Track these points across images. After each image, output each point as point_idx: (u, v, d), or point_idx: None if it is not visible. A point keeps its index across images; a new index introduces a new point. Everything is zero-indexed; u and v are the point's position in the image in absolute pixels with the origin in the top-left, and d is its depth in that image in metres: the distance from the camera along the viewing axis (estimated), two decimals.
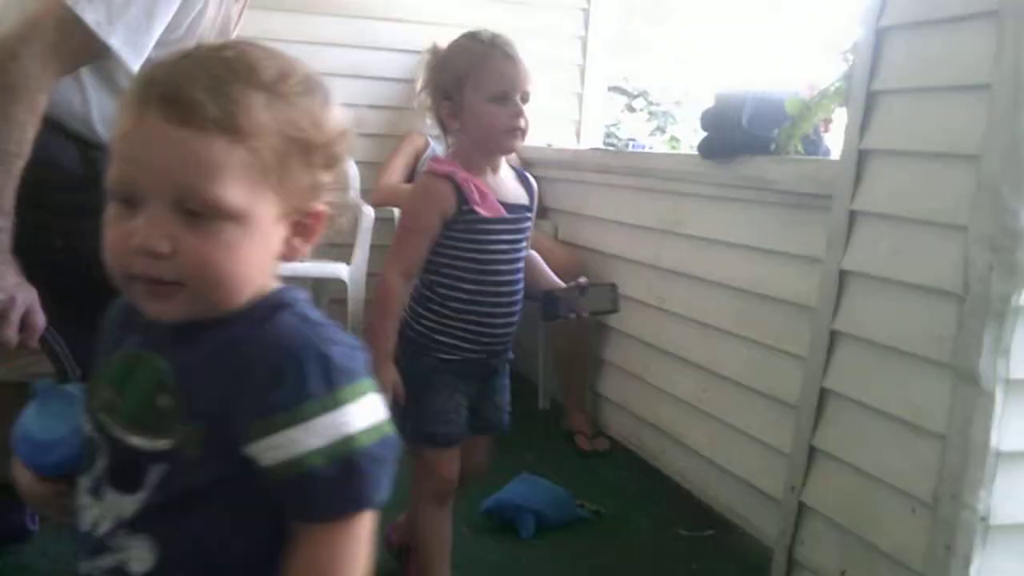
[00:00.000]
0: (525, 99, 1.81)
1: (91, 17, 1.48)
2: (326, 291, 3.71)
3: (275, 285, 0.88)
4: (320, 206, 0.88)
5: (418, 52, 3.81)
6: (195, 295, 0.81)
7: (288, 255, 0.88)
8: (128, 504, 0.84)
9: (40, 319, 1.43)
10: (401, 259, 1.83)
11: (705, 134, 2.64)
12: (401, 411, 1.78)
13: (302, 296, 0.88)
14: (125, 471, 0.85)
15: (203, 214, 0.79)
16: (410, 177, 3.71)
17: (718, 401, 2.68)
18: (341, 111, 0.88)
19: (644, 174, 3.12)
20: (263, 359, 0.80)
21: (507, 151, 1.88)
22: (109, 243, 0.81)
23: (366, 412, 0.82)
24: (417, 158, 3.74)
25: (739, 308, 2.57)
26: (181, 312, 0.82)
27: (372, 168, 3.81)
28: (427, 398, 1.84)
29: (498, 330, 1.88)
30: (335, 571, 0.81)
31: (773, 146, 2.42)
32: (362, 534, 0.83)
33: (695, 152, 2.71)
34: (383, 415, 0.84)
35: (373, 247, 3.58)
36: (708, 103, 2.65)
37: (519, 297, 1.90)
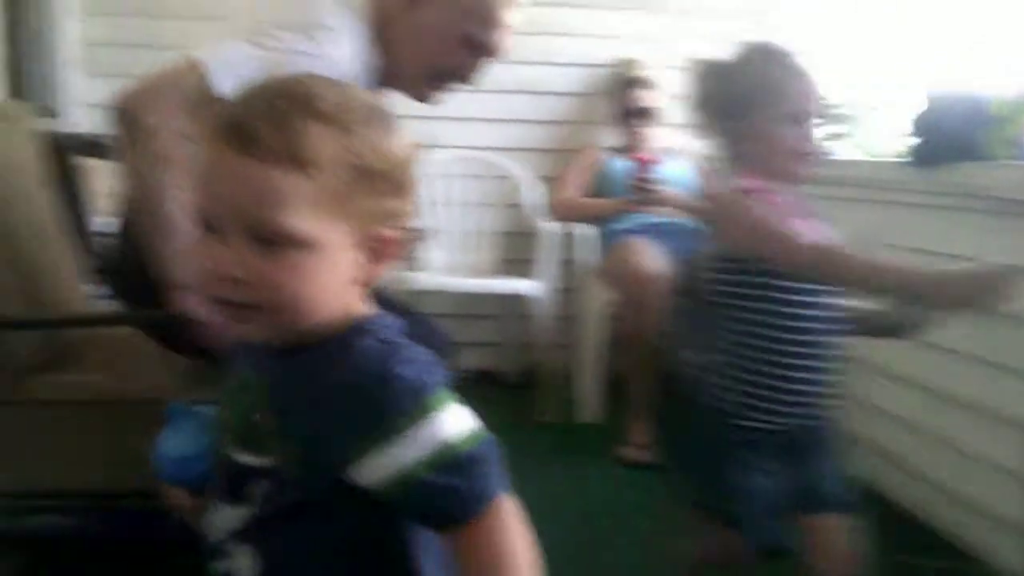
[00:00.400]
0: (814, 122, 1.58)
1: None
2: (515, 307, 3.71)
3: (361, 311, 0.91)
4: (389, 231, 0.89)
5: (592, 66, 3.88)
6: (271, 318, 0.85)
7: (364, 279, 0.90)
8: (235, 516, 0.90)
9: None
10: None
11: (918, 139, 2.44)
12: (693, 476, 1.66)
13: (387, 322, 0.91)
14: (234, 485, 0.90)
15: (274, 241, 0.82)
16: (588, 192, 3.66)
17: (944, 421, 2.49)
18: (406, 138, 0.90)
19: (842, 183, 2.95)
20: (348, 383, 0.84)
21: (795, 179, 1.60)
22: (198, 268, 0.87)
23: (457, 420, 0.85)
24: (593, 172, 3.68)
25: (964, 323, 2.37)
26: (262, 333, 0.88)
27: (548, 184, 3.79)
28: (719, 470, 1.59)
29: (801, 389, 1.56)
30: (502, 563, 0.83)
31: (980, 150, 2.23)
32: (506, 521, 0.85)
33: (896, 159, 2.52)
34: (474, 423, 0.86)
35: (564, 262, 3.56)
36: (887, 105, 2.46)
37: (826, 351, 1.58)
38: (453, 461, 0.83)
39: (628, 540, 2.45)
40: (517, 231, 3.86)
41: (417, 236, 0.99)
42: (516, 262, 3.77)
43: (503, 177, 3.85)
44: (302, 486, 0.86)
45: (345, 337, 0.88)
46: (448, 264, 3.75)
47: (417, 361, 0.87)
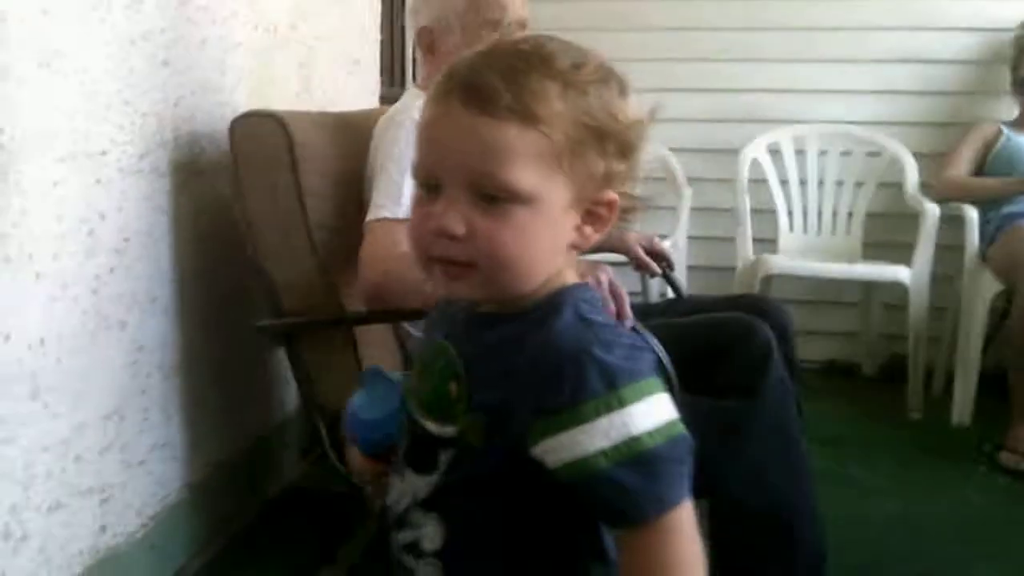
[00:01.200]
0: None
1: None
2: (879, 295, 3.46)
3: (569, 279, 0.89)
4: (612, 195, 0.87)
5: (985, 30, 3.49)
6: (486, 276, 0.84)
7: (579, 244, 0.88)
8: (421, 484, 0.89)
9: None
10: None
11: None
12: None
13: (589, 295, 0.89)
14: (421, 453, 0.89)
15: (497, 197, 0.81)
16: (979, 170, 3.31)
17: None
18: (638, 100, 0.88)
19: None
20: (542, 358, 0.82)
21: None
22: (412, 225, 0.87)
23: (651, 412, 0.80)
24: (987, 149, 3.31)
25: None
26: (474, 293, 0.86)
27: (930, 160, 3.47)
28: None
29: None
30: (668, 574, 0.80)
31: None
32: (680, 531, 0.80)
33: None
34: (672, 415, 0.82)
35: (937, 247, 3.24)
36: None
37: None
38: (637, 457, 0.79)
39: (1006, 558, 2.21)
40: (889, 212, 3.57)
41: (638, 203, 0.91)
42: (882, 246, 3.50)
43: (875, 153, 3.57)
44: (484, 458, 0.85)
45: (546, 308, 0.86)
46: (804, 247, 3.55)
47: (617, 344, 0.82)
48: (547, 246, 0.85)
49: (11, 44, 1.42)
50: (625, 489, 0.79)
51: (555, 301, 0.86)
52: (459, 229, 0.82)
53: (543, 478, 0.81)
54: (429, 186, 0.85)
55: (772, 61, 3.67)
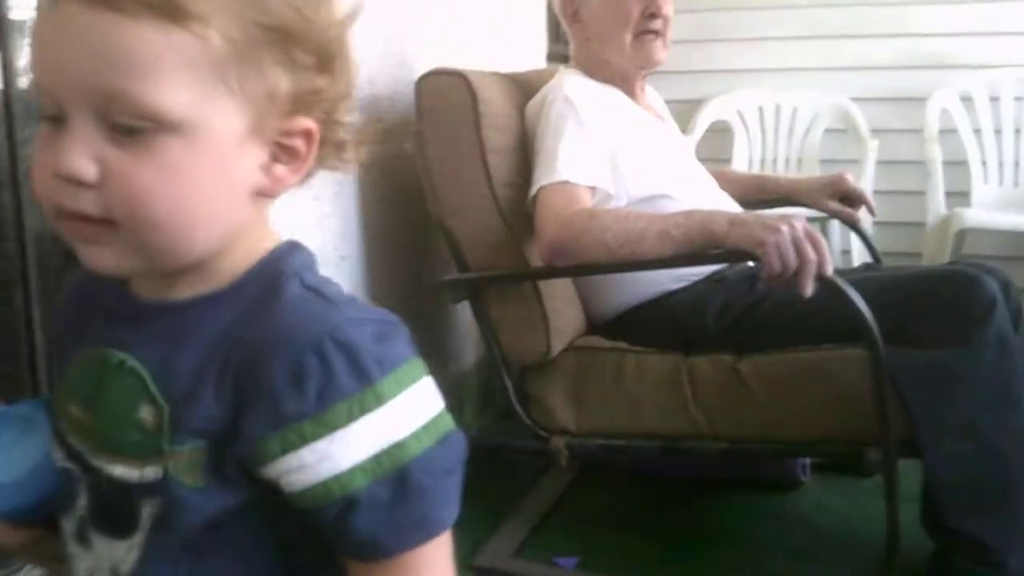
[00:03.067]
0: None
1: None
2: None
3: (269, 240, 0.68)
4: (308, 122, 0.65)
5: None
6: (131, 238, 0.61)
7: (270, 188, 0.65)
8: (122, 551, 0.66)
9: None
10: None
11: None
12: None
13: (308, 259, 0.68)
14: (113, 510, 0.66)
15: (136, 127, 0.59)
16: None
17: None
18: (339, 2, 0.66)
19: None
20: (273, 352, 0.61)
21: None
22: (35, 173, 0.62)
23: (417, 406, 0.63)
24: None
25: None
26: (120, 263, 0.63)
27: None
28: None
29: None
30: None
31: None
32: (440, 561, 0.64)
33: None
34: (439, 405, 0.64)
35: None
36: None
37: None
38: (400, 470, 0.61)
39: None
40: None
41: (355, 133, 0.67)
42: None
43: None
44: (209, 499, 0.63)
45: (258, 281, 0.65)
46: (1000, 200, 3.32)
47: (366, 321, 0.63)
48: (216, 192, 0.63)
49: None
50: (382, 512, 0.61)
51: (269, 271, 0.66)
52: (87, 171, 0.59)
53: (281, 512, 0.64)
54: (53, 117, 0.61)
55: (962, 2, 3.44)
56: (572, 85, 1.84)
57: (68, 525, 0.70)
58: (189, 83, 0.60)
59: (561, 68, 2.01)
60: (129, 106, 0.59)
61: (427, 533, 0.63)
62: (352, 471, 0.60)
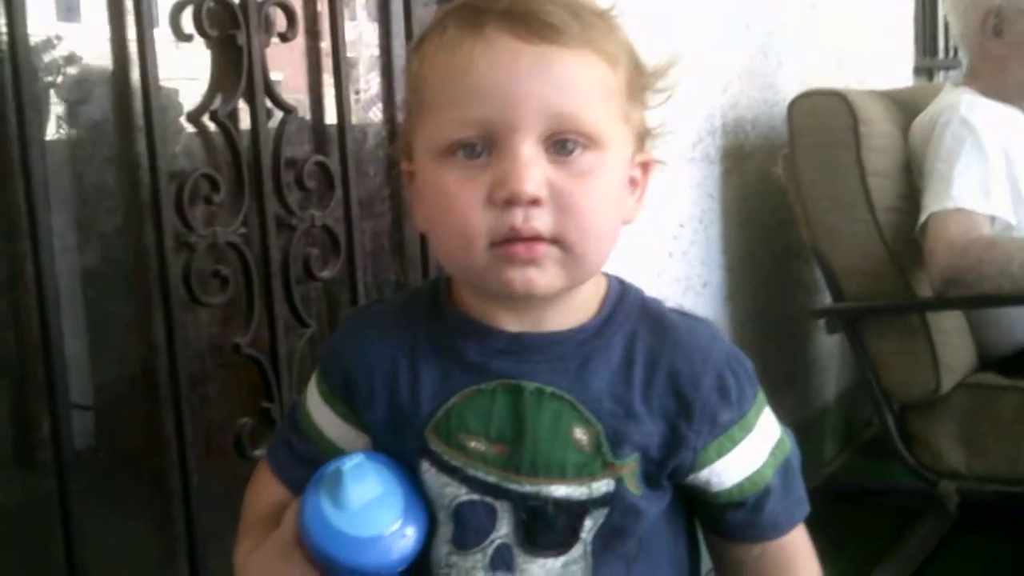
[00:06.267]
0: None
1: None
2: None
3: (601, 276, 0.73)
4: (650, 155, 0.71)
5: None
6: (567, 258, 0.65)
7: (628, 218, 0.70)
8: (558, 567, 0.70)
9: None
10: None
11: None
12: None
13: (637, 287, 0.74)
14: (552, 527, 0.69)
15: (574, 148, 0.64)
16: None
17: None
18: None
19: None
20: (701, 371, 0.69)
21: None
22: (457, 204, 0.64)
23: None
24: None
25: None
26: (552, 283, 0.65)
27: None
28: None
29: None
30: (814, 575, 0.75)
31: None
32: (804, 532, 0.75)
33: None
34: None
35: None
36: None
37: None
38: (787, 459, 0.73)
39: None
40: None
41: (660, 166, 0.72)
42: None
43: None
44: (645, 505, 0.69)
45: (627, 304, 0.71)
46: None
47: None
48: (619, 211, 0.69)
49: None
50: (781, 497, 0.72)
51: (629, 292, 0.72)
52: (542, 190, 0.63)
53: (688, 512, 0.75)
54: (469, 147, 0.65)
55: None
56: (969, 106, 1.69)
57: (471, 560, 0.71)
58: (608, 113, 0.66)
59: (948, 85, 1.86)
60: (577, 125, 0.64)
61: (805, 508, 0.74)
62: (766, 465, 0.71)
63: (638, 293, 0.73)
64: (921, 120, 1.78)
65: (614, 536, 0.69)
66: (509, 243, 0.64)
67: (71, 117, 1.00)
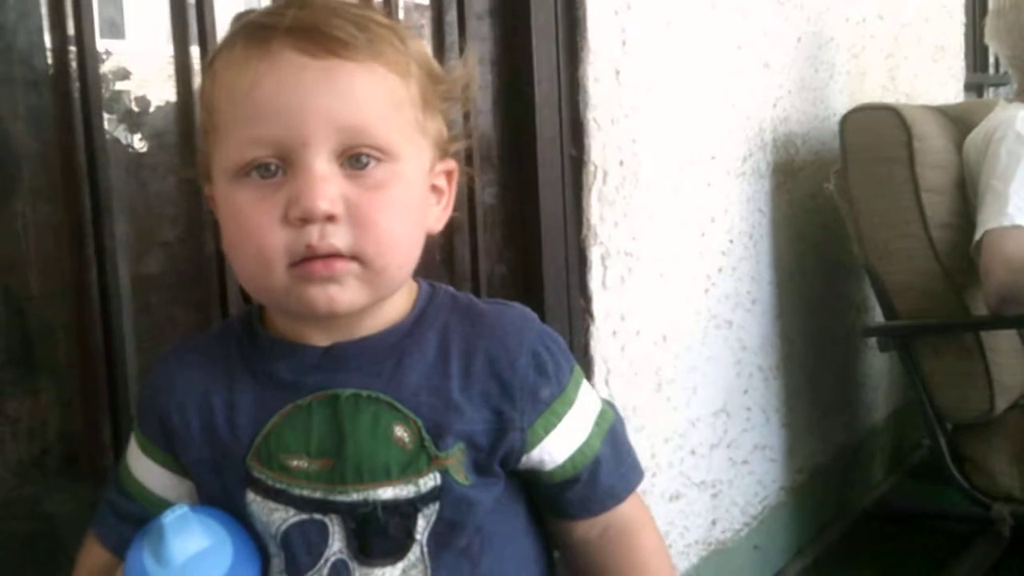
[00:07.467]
0: None
1: None
2: None
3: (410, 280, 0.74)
4: (451, 162, 0.73)
5: None
6: (367, 273, 0.65)
7: (432, 227, 0.72)
8: (394, 574, 0.69)
9: None
10: None
11: None
12: None
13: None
14: (384, 533, 0.68)
15: (368, 162, 0.64)
16: None
17: None
18: None
19: None
20: (512, 349, 0.69)
21: None
22: (253, 226, 0.63)
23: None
24: None
25: None
26: (355, 300, 0.65)
27: None
28: None
29: None
30: (658, 544, 0.76)
31: None
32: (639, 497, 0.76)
33: None
34: None
35: None
36: None
37: None
38: (612, 427, 0.74)
39: None
40: None
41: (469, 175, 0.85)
42: None
43: None
44: (477, 493, 0.69)
45: (431, 304, 0.72)
46: None
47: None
48: (419, 223, 0.69)
49: (636, 55, 1.51)
50: (613, 464, 0.74)
51: (437, 295, 0.73)
52: (336, 206, 0.63)
53: (525, 494, 0.74)
54: (263, 167, 0.64)
55: None
56: None
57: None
58: (402, 124, 0.67)
59: (1001, 101, 1.84)
60: (370, 140, 0.64)
61: (640, 473, 0.76)
62: (592, 436, 0.72)
63: (447, 290, 0.74)
64: (975, 136, 1.75)
65: (449, 532, 0.69)
66: (307, 262, 0.63)
67: (132, 128, 1.02)
